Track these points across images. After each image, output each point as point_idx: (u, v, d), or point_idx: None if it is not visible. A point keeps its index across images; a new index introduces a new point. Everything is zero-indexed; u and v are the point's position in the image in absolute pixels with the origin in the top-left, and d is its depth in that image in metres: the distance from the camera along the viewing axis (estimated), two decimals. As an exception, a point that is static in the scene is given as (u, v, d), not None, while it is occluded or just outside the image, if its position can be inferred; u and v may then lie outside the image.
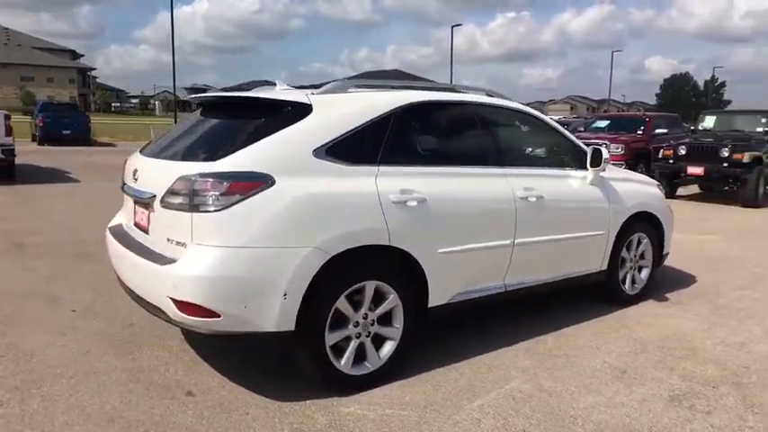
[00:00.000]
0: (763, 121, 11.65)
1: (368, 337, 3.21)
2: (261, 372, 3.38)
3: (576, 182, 4.26)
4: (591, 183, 4.31)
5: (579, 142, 4.45)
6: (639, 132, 13.41)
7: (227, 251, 2.77)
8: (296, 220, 2.87)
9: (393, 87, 3.64)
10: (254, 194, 2.79)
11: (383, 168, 3.23)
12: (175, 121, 30.88)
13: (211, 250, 2.77)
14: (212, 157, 2.91)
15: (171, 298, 2.82)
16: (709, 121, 12.51)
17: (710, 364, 3.65)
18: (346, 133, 3.14)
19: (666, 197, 5.37)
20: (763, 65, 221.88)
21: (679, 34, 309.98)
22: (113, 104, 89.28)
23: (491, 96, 4.05)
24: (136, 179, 3.28)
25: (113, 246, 3.47)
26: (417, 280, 3.33)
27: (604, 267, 4.50)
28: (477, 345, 3.83)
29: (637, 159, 12.70)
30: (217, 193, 2.77)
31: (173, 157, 3.18)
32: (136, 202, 3.36)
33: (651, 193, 4.94)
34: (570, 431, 2.84)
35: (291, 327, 2.88)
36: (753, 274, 5.91)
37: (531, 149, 4.21)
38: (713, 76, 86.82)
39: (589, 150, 4.27)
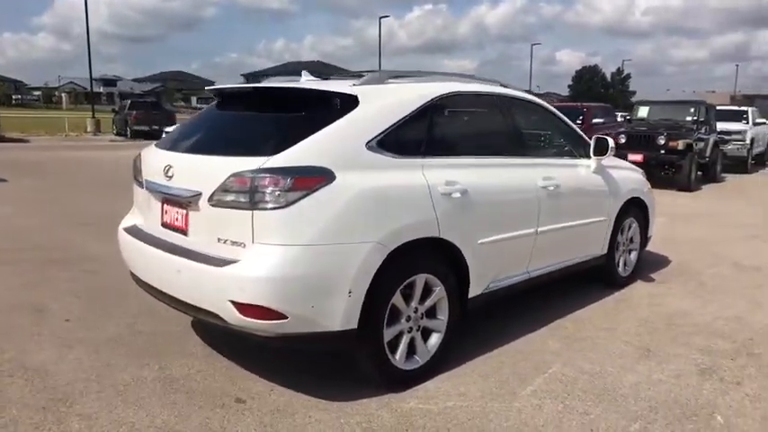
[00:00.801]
0: (692, 110, 12.54)
1: (417, 330, 3.19)
2: (301, 373, 3.26)
3: (582, 170, 4.42)
4: (594, 171, 4.48)
5: (580, 131, 4.61)
6: (579, 122, 14.01)
7: (294, 249, 2.65)
8: (358, 216, 2.80)
9: (421, 78, 3.61)
10: (317, 190, 2.68)
11: (427, 160, 3.20)
12: (93, 115, 29.01)
13: (277, 249, 2.65)
14: (264, 151, 2.76)
15: (233, 301, 2.66)
16: (642, 111, 13.31)
17: (719, 338, 3.91)
18: (393, 125, 3.08)
19: None
20: (661, 58, 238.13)
21: (586, 28, 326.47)
22: (14, 97, 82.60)
23: (505, 87, 4.11)
24: (170, 176, 3.05)
25: (138, 249, 3.24)
26: (459, 271, 3.34)
27: (605, 251, 4.70)
28: (503, 333, 3.89)
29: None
30: (281, 190, 2.64)
31: (216, 152, 2.99)
32: (166, 202, 3.15)
33: (639, 179, 5.20)
34: (626, 409, 2.96)
35: (355, 325, 2.81)
36: (714, 253, 6.36)
37: (545, 140, 4.32)
38: (619, 68, 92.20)
39: (593, 139, 4.43)
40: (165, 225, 3.18)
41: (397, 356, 3.08)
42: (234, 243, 2.74)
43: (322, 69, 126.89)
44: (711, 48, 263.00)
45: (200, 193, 2.85)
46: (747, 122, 15.20)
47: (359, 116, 2.97)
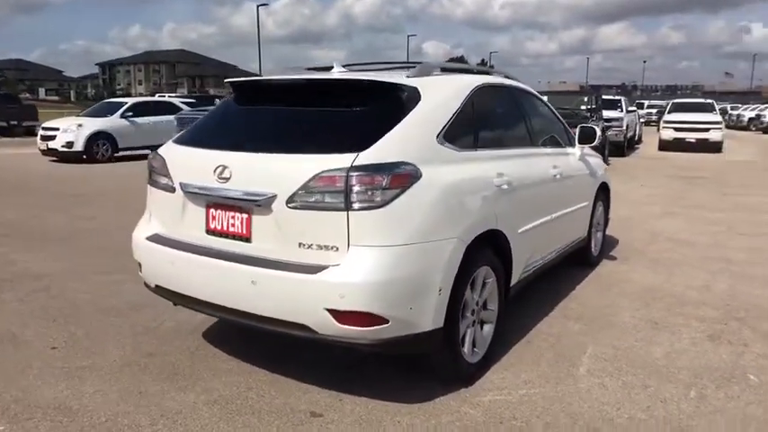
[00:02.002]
0: (585, 99, 13.66)
1: (478, 323, 3.20)
2: (355, 379, 3.14)
3: (572, 158, 4.66)
4: (579, 158, 4.75)
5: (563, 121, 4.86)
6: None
7: (394, 250, 2.54)
8: (443, 212, 2.75)
9: (453, 69, 3.59)
10: (410, 187, 2.59)
11: (479, 153, 3.22)
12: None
13: (378, 251, 2.51)
14: (344, 147, 2.60)
15: (330, 310, 2.49)
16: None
17: (703, 307, 4.35)
18: (452, 117, 3.05)
19: None
20: (518, 50, 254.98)
21: (449, 21, 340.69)
22: None
23: (509, 79, 4.21)
24: (225, 178, 2.76)
25: (176, 261, 2.91)
26: (505, 261, 3.40)
27: (586, 233, 5.01)
28: (523, 318, 4.02)
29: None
30: (378, 188, 2.51)
31: (287, 150, 2.75)
32: (215, 206, 2.85)
33: (602, 165, 5.59)
34: (676, 379, 3.19)
35: (441, 323, 2.76)
36: (646, 230, 7.02)
37: (545, 129, 4.48)
38: (484, 59, 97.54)
39: (578, 128, 4.70)
40: (212, 232, 2.88)
41: (465, 350, 3.07)
42: (322, 247, 2.55)
43: (188, 58, 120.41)
44: (560, 41, 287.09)
45: (275, 196, 2.62)
46: (622, 110, 16.86)
47: (426, 109, 2.90)
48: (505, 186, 3.27)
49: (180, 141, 3.20)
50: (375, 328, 2.53)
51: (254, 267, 2.65)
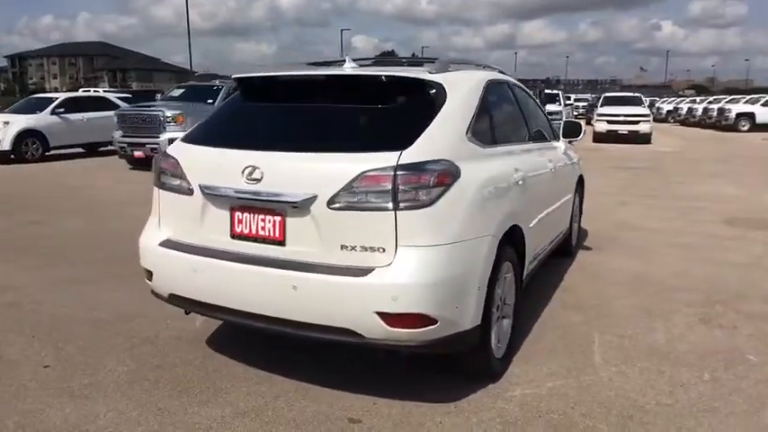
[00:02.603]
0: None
1: (500, 318, 3.22)
2: (382, 380, 3.09)
3: (559, 152, 4.77)
4: (563, 152, 4.88)
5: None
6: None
7: (443, 249, 2.50)
8: (480, 209, 2.74)
9: (462, 65, 3.58)
10: (452, 184, 2.56)
11: (498, 148, 3.24)
12: None
13: (428, 251, 2.47)
14: (384, 146, 2.55)
15: (380, 312, 2.42)
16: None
17: (684, 291, 4.57)
18: (474, 114, 3.05)
19: None
20: (446, 45, 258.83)
21: (378, 15, 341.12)
22: None
23: (504, 74, 4.25)
24: (255, 179, 2.62)
25: (198, 268, 2.74)
26: (519, 255, 3.43)
27: (568, 225, 5.15)
28: (523, 310, 4.07)
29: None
30: (426, 187, 2.46)
31: (324, 149, 2.65)
32: (241, 209, 2.71)
33: (578, 157, 5.76)
34: (687, 363, 3.33)
35: (479, 321, 2.75)
36: (609, 220, 7.30)
37: (537, 124, 4.56)
38: (414, 53, 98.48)
39: (563, 123, 4.81)
40: (238, 236, 2.73)
41: (493, 346, 3.08)
42: (367, 249, 2.48)
43: (107, 51, 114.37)
44: (485, 36, 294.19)
45: (315, 197, 2.51)
46: (560, 104, 17.52)
47: (454, 105, 2.88)
48: (521, 182, 3.30)
49: (193, 141, 3.01)
50: (425, 329, 2.48)
51: (294, 272, 2.54)
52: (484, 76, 3.43)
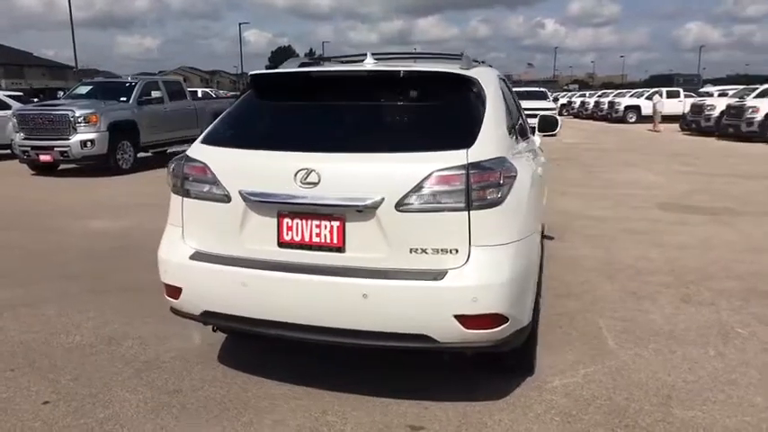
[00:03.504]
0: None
1: (532, 312, 3.27)
2: (423, 382, 3.04)
3: (536, 147, 4.91)
4: (539, 146, 5.03)
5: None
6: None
7: (513, 247, 2.50)
8: (532, 205, 2.77)
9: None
10: (515, 181, 2.55)
11: (520, 144, 3.28)
12: None
13: (501, 250, 2.45)
14: (445, 144, 2.50)
15: (459, 315, 2.37)
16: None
17: (655, 274, 4.89)
18: (504, 110, 3.06)
19: None
20: (342, 40, 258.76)
21: (272, 8, 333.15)
22: None
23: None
24: (312, 183, 2.47)
25: (243, 281, 2.55)
26: None
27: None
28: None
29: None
30: (496, 185, 2.44)
31: (385, 149, 2.54)
32: (293, 215, 2.54)
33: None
34: (691, 341, 3.55)
35: (531, 317, 2.77)
36: (559, 210, 7.49)
37: (523, 119, 4.65)
38: (311, 49, 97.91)
39: (538, 118, 4.97)
40: (287, 244, 2.56)
41: (532, 339, 3.12)
42: (439, 251, 2.42)
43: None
44: (381, 32, 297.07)
45: (382, 200, 2.41)
46: (549, 101, 18.20)
47: (493, 101, 2.87)
48: (537, 177, 3.37)
49: (221, 143, 2.78)
50: (498, 328, 2.47)
51: (363, 279, 2.42)
52: (493, 71, 3.47)
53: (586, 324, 3.84)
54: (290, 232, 2.56)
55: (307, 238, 2.54)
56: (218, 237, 2.69)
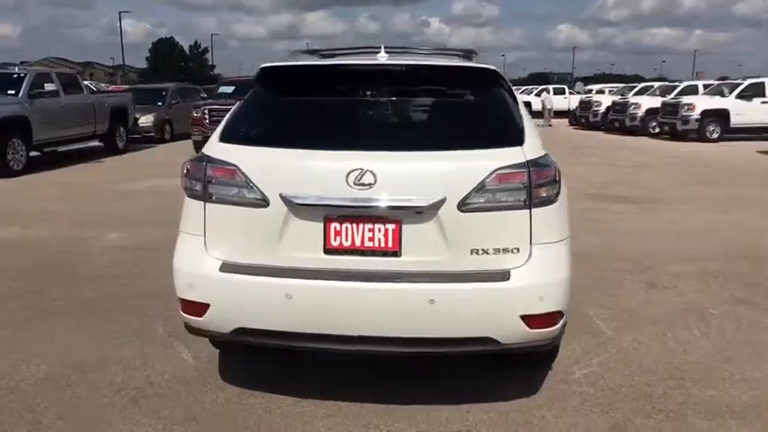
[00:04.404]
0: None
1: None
2: (450, 386, 2.98)
3: None
4: None
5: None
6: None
7: (563, 244, 2.51)
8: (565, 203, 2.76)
9: None
10: (561, 178, 2.53)
11: None
12: None
13: (557, 247, 2.46)
14: (500, 141, 2.45)
15: (525, 315, 2.32)
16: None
17: (614, 260, 5.15)
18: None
19: None
20: (226, 33, 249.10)
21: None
22: None
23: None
24: (366, 184, 2.29)
25: (306, 291, 2.36)
26: None
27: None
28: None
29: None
30: (552, 182, 2.42)
31: (441, 147, 2.41)
32: (343, 219, 2.36)
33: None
34: (671, 322, 3.78)
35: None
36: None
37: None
38: (197, 41, 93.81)
39: None
40: (335, 250, 2.37)
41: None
42: (500, 251, 2.35)
43: None
44: (268, 26, 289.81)
45: (444, 200, 2.29)
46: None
47: (516, 98, 2.83)
48: None
49: (253, 142, 2.50)
50: (557, 326, 2.46)
51: (429, 284, 2.30)
52: None
53: (576, 314, 3.92)
54: (338, 237, 2.37)
55: (358, 243, 2.36)
56: (251, 245, 2.44)
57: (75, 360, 3.27)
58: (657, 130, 18.19)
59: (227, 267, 2.42)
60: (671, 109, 17.79)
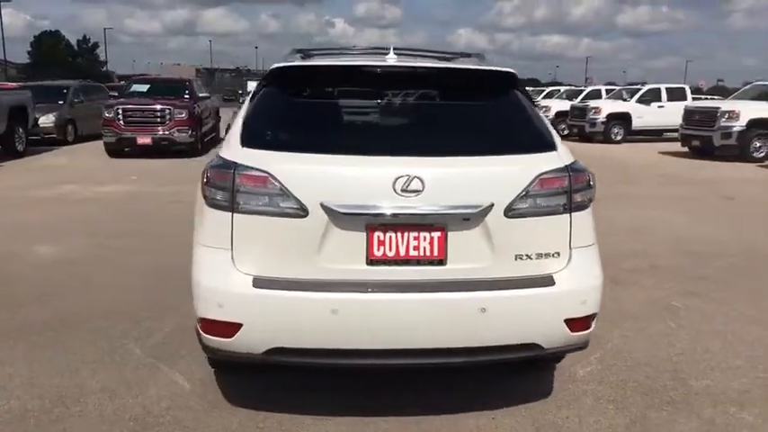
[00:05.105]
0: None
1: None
2: (471, 394, 2.97)
3: None
4: None
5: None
6: (186, 96, 13.55)
7: (596, 248, 2.56)
8: None
9: None
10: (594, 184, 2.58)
11: None
12: None
13: (592, 250, 2.52)
14: (535, 146, 2.47)
15: (568, 319, 2.36)
16: (251, 86, 14.00)
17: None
18: None
19: None
20: (117, 27, 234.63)
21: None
22: None
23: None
24: (414, 191, 2.21)
25: (352, 306, 2.25)
26: None
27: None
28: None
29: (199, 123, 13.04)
30: (587, 187, 2.47)
31: (485, 152, 2.38)
32: (386, 227, 2.27)
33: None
34: (646, 317, 4.00)
35: None
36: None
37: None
38: (86, 36, 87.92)
39: None
40: (378, 261, 2.27)
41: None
42: (542, 255, 2.37)
43: None
44: (164, 21, 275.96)
45: (492, 205, 2.25)
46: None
47: (531, 99, 2.86)
48: None
49: (285, 147, 2.32)
50: (592, 328, 2.51)
51: (480, 293, 2.26)
52: None
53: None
54: (381, 247, 2.27)
55: (402, 253, 2.28)
56: (286, 258, 2.27)
57: (51, 391, 2.91)
58: (566, 132, 19.19)
59: (261, 283, 2.24)
60: (579, 112, 18.84)
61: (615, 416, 2.80)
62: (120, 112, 12.24)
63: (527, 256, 2.37)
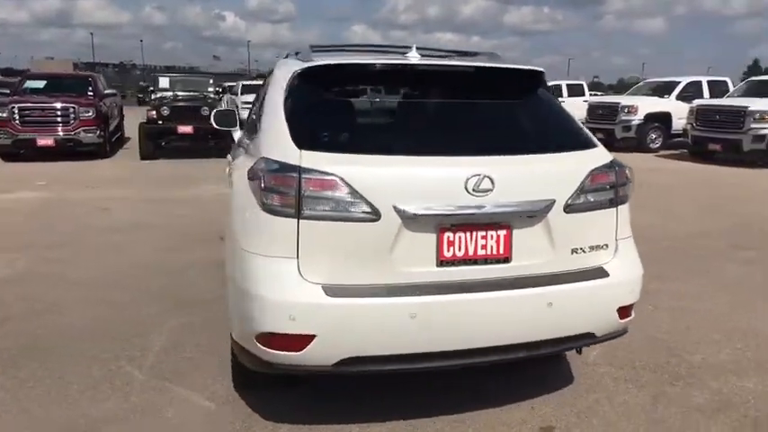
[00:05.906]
0: (211, 82, 13.47)
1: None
2: (489, 387, 3.02)
3: None
4: None
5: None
6: (90, 93, 12.52)
7: (632, 239, 2.67)
8: None
9: None
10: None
11: None
12: None
13: (630, 242, 2.64)
14: (576, 143, 2.56)
15: (621, 307, 2.50)
16: (164, 83, 13.19)
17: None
18: None
19: None
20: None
21: None
22: None
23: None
24: (485, 190, 2.21)
25: (429, 309, 2.20)
26: None
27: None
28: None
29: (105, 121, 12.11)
30: (628, 181, 2.60)
31: (542, 149, 2.44)
32: (456, 228, 2.25)
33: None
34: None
35: None
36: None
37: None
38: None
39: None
40: (447, 262, 2.25)
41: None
42: (594, 248, 2.47)
43: None
44: (32, 11, 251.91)
45: (553, 202, 2.31)
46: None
47: None
48: None
49: (350, 150, 2.21)
50: (633, 314, 2.63)
51: (547, 288, 2.32)
52: None
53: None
54: (451, 248, 2.25)
55: (471, 252, 2.27)
56: (356, 264, 2.18)
57: (56, 427, 2.59)
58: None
59: (333, 291, 2.14)
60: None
61: (638, 394, 2.97)
62: (17, 111, 11.09)
63: (581, 249, 2.46)
